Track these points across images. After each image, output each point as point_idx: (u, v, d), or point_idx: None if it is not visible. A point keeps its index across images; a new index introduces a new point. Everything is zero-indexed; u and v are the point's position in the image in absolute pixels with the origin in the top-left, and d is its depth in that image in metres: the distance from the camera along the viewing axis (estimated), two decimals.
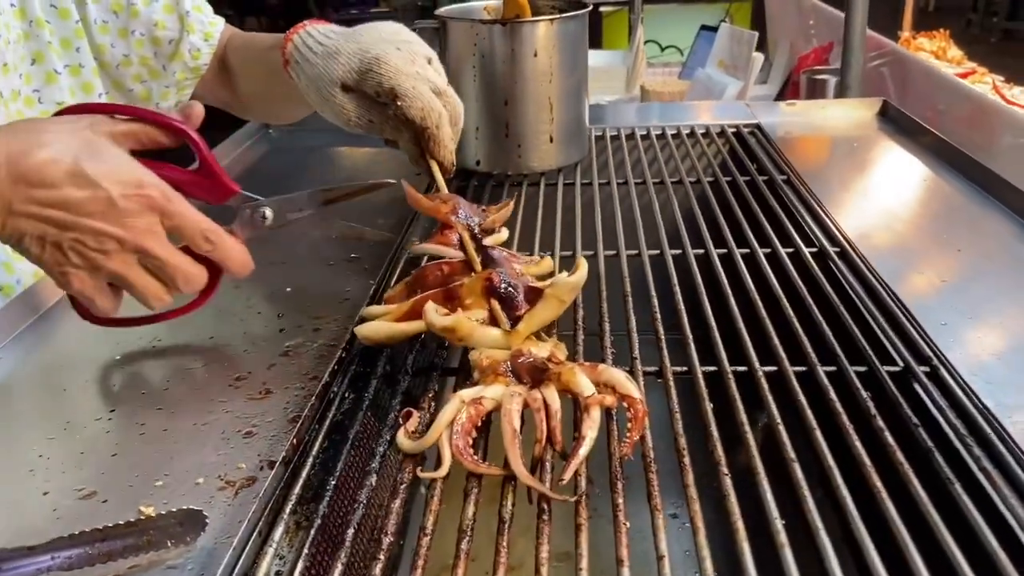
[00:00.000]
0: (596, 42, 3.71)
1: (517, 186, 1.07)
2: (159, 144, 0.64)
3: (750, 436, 0.57)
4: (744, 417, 0.59)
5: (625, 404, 0.58)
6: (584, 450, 0.54)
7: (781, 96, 2.34)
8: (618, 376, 0.60)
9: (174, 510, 0.51)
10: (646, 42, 3.19)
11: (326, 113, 0.83)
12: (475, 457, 0.55)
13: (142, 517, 0.52)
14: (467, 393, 0.59)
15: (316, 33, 0.82)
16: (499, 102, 1.05)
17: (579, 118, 1.11)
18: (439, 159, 0.80)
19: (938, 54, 2.50)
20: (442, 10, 1.07)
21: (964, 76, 2.19)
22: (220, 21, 1.05)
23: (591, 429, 0.55)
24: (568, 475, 0.52)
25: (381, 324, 0.68)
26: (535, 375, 0.60)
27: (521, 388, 0.59)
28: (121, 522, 0.50)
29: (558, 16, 1.03)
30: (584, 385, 0.58)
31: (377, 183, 0.71)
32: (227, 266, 0.66)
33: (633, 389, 0.59)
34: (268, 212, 0.70)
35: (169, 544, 0.50)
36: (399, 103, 0.77)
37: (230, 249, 0.66)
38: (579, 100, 1.09)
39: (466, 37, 1.03)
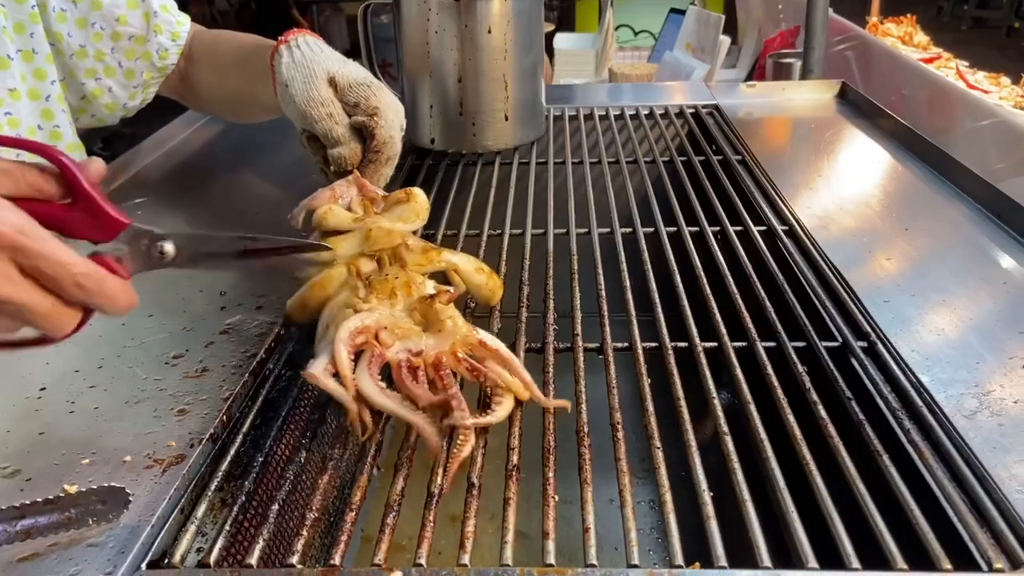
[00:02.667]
0: (569, 25, 3.70)
1: (472, 165, 1.06)
2: (41, 192, 0.53)
3: (685, 410, 0.57)
4: (681, 392, 0.59)
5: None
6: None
7: (749, 80, 2.34)
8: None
9: (95, 487, 0.50)
10: (619, 26, 3.19)
11: (288, 95, 0.84)
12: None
13: (61, 495, 0.50)
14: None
15: (322, 42, 0.89)
16: (452, 79, 1.03)
17: (535, 96, 1.10)
18: (369, 179, 0.84)
19: (905, 39, 2.51)
20: None
21: (929, 61, 2.20)
22: (186, 20, 1.07)
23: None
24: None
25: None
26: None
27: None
28: (40, 499, 0.49)
29: None
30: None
31: (311, 245, 0.64)
32: (104, 310, 0.54)
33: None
34: (168, 247, 0.56)
35: (91, 522, 0.49)
36: (375, 119, 0.83)
37: (110, 294, 0.53)
38: (535, 78, 1.08)
39: (419, 13, 1.01)
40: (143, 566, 0.46)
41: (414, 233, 0.74)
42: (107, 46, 0.99)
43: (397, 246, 0.67)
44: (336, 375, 0.54)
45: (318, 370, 0.54)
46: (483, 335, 0.59)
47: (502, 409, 0.55)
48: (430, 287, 0.63)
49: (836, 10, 1.72)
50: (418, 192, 0.77)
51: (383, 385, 0.53)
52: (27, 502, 0.49)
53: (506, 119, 1.07)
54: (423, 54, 1.03)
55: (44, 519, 0.49)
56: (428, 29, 1.01)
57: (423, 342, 0.57)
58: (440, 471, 0.52)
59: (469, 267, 0.70)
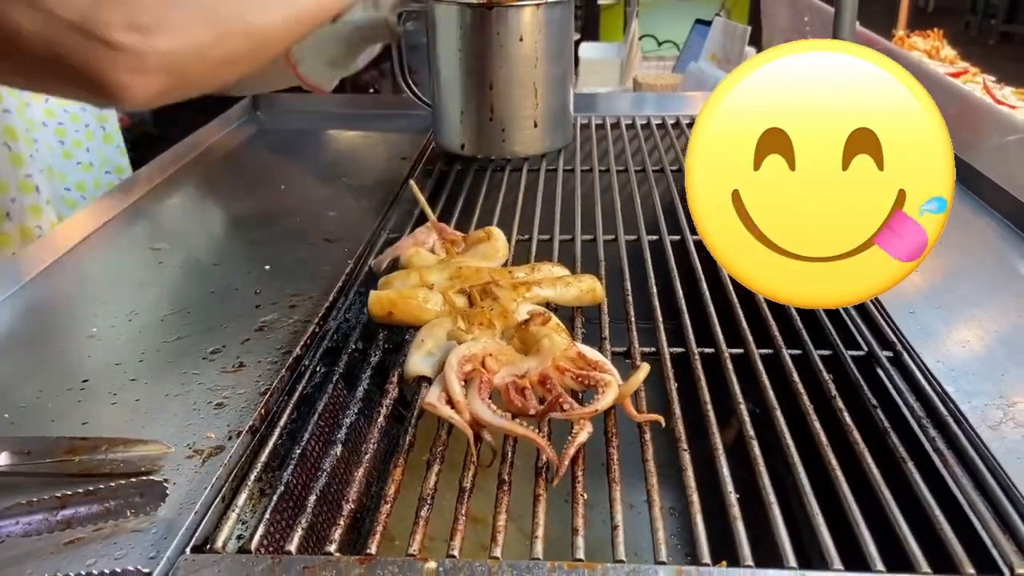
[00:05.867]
0: (593, 35, 3.71)
1: (501, 171, 1.07)
2: None
3: (712, 415, 0.58)
4: (708, 396, 0.60)
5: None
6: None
7: None
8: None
9: (135, 480, 0.51)
10: (644, 36, 3.20)
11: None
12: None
13: (101, 486, 0.52)
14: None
15: None
16: (484, 86, 1.05)
17: (564, 104, 1.12)
18: None
19: (931, 53, 2.50)
20: None
21: (956, 76, 2.19)
22: None
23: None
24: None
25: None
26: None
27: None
28: (81, 490, 0.50)
29: (544, 2, 1.03)
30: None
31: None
32: None
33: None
34: None
35: (129, 514, 0.50)
36: None
37: None
38: (564, 87, 1.10)
39: (452, 20, 1.03)
40: (187, 551, 0.48)
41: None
42: None
43: (487, 283, 0.69)
44: (450, 402, 0.56)
45: (434, 399, 0.56)
46: (581, 347, 0.61)
47: (607, 396, 0.57)
48: (523, 312, 0.66)
49: (863, 23, 1.72)
50: (496, 231, 0.81)
51: (495, 408, 0.55)
52: (68, 492, 0.50)
53: (535, 126, 1.08)
54: (455, 61, 1.05)
55: (84, 509, 0.50)
56: (460, 36, 1.03)
57: (525, 364, 0.60)
58: (472, 467, 0.53)
59: (562, 293, 0.71)
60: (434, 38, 1.07)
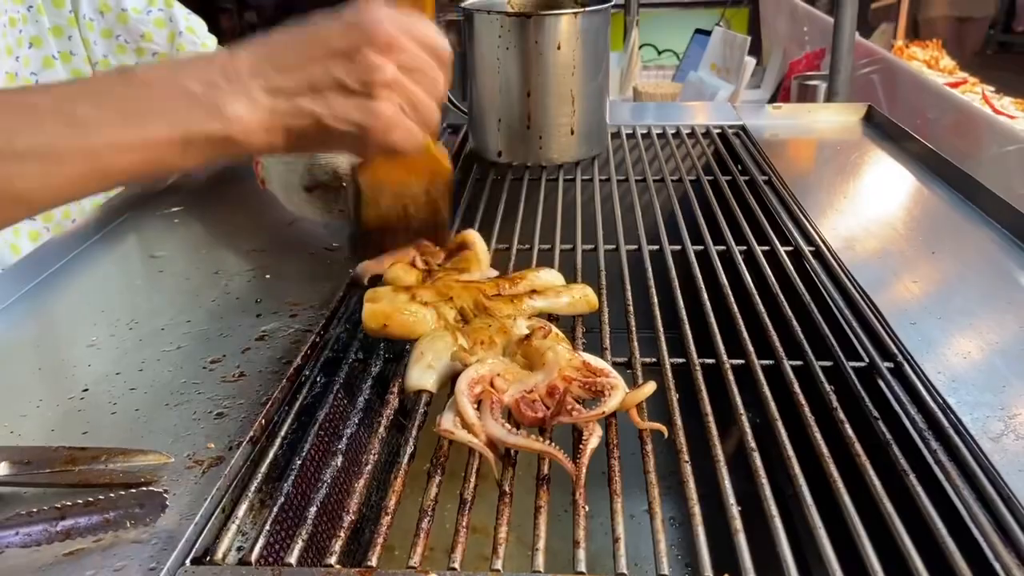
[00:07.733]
0: None
1: (536, 180, 1.07)
2: None
3: (713, 426, 0.58)
4: (709, 408, 0.60)
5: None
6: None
7: (773, 101, 2.35)
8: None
9: (135, 491, 0.51)
10: (643, 46, 3.21)
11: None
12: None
13: (101, 496, 0.51)
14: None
15: None
16: (521, 94, 1.06)
17: (600, 112, 1.13)
18: None
19: (930, 63, 2.51)
20: (467, 2, 1.09)
21: (955, 86, 2.20)
22: (212, 41, 1.10)
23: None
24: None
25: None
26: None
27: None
28: (80, 501, 0.50)
29: (582, 10, 1.04)
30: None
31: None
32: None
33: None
34: None
35: (128, 524, 0.50)
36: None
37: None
38: (600, 94, 1.11)
39: (490, 29, 1.04)
40: (187, 562, 0.47)
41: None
42: (131, 59, 1.04)
43: (477, 299, 0.69)
44: (466, 426, 0.56)
45: (449, 424, 0.56)
46: (585, 356, 0.62)
47: (614, 398, 0.57)
48: (523, 327, 0.65)
49: (862, 33, 1.73)
50: (473, 236, 0.80)
51: (509, 426, 0.56)
52: (68, 503, 0.50)
53: (572, 133, 1.09)
54: (493, 69, 1.06)
55: (84, 520, 0.50)
56: (499, 45, 1.04)
57: (533, 380, 0.60)
58: (472, 478, 0.53)
59: (554, 303, 0.71)
60: (472, 47, 1.08)
